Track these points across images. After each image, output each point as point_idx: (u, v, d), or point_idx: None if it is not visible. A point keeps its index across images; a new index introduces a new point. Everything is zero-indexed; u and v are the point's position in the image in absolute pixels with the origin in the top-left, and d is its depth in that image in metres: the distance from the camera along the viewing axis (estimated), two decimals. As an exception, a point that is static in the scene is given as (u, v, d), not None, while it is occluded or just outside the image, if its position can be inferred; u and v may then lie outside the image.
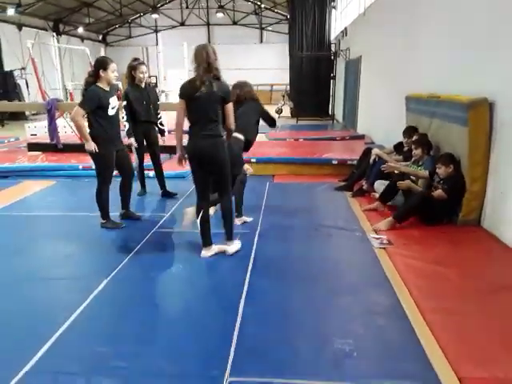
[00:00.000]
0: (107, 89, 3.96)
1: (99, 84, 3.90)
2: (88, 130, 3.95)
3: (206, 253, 3.50)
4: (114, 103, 4.03)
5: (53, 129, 7.20)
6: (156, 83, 24.65)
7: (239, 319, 2.57)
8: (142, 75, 4.71)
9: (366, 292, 2.91)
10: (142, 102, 4.78)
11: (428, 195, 4.10)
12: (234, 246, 3.57)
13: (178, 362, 2.19)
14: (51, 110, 7.00)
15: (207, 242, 3.51)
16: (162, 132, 5.34)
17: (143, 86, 4.83)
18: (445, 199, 4.01)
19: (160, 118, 5.26)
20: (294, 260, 3.48)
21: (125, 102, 4.73)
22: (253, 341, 2.36)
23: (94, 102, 3.81)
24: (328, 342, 2.34)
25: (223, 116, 3.33)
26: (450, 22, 4.85)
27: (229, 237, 3.57)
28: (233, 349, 2.28)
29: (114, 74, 3.98)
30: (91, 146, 3.87)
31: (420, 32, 5.88)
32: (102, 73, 3.87)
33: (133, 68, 4.70)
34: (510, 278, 3.08)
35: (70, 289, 3.01)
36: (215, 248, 3.54)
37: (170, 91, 15.63)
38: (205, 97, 3.18)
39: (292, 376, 2.09)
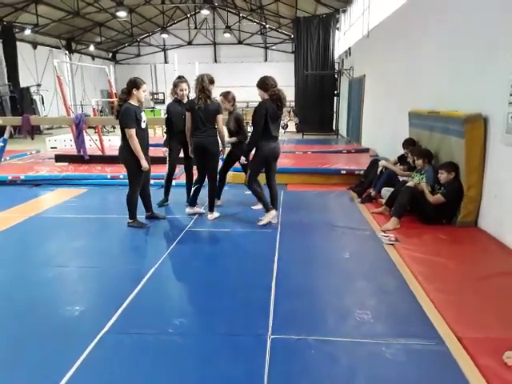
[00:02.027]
0: (137, 105, 4.47)
1: (130, 101, 4.39)
2: (122, 143, 4.45)
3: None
4: (144, 117, 4.56)
5: (80, 141, 7.75)
6: (163, 99, 25.53)
7: (273, 295, 3.08)
8: (180, 92, 5.22)
9: (378, 277, 3.42)
10: (182, 115, 5.18)
11: (415, 189, 4.66)
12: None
13: (228, 325, 2.70)
14: (79, 123, 7.56)
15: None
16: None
17: (185, 101, 5.29)
18: (443, 202, 4.53)
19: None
20: (314, 252, 4.02)
21: (165, 115, 5.26)
22: (286, 310, 2.87)
23: (133, 118, 4.32)
24: (349, 312, 2.84)
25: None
26: (448, 44, 5.42)
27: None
28: (271, 316, 2.79)
29: (145, 94, 4.52)
30: (145, 163, 4.40)
31: (420, 53, 6.48)
32: (134, 91, 4.37)
33: (174, 85, 5.27)
34: (503, 267, 3.56)
35: (126, 274, 3.52)
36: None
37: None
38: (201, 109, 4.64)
39: (323, 335, 2.58)
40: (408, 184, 4.80)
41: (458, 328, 2.64)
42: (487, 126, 4.36)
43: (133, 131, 4.29)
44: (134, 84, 4.38)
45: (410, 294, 3.11)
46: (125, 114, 4.31)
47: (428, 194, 4.64)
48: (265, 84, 4.56)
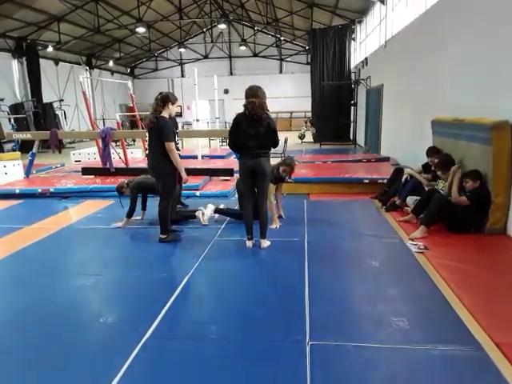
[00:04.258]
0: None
1: (164, 114, 4.49)
2: (156, 157, 4.49)
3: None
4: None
5: (106, 154, 7.95)
6: (181, 113, 25.89)
7: (307, 302, 3.14)
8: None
9: (411, 284, 3.45)
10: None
11: (444, 198, 4.68)
12: None
13: (266, 331, 2.77)
14: (106, 137, 7.77)
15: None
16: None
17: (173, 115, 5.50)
18: (469, 208, 4.53)
19: (178, 144, 6.00)
20: (344, 260, 4.06)
21: None
22: (322, 317, 2.92)
23: (171, 131, 4.44)
24: (385, 319, 2.87)
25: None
26: (471, 49, 5.46)
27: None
28: (307, 322, 2.84)
29: (176, 109, 4.64)
30: (185, 175, 4.51)
31: (442, 61, 6.51)
32: (170, 106, 4.48)
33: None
34: (535, 275, 3.55)
35: (161, 282, 3.63)
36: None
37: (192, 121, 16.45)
38: None
39: (361, 341, 2.61)
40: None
41: (495, 334, 2.66)
42: (514, 133, 4.37)
43: (173, 144, 4.40)
44: (170, 99, 4.48)
45: (444, 301, 3.13)
46: (166, 127, 4.37)
47: (453, 190, 4.66)
48: (244, 95, 4.25)
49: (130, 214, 5.22)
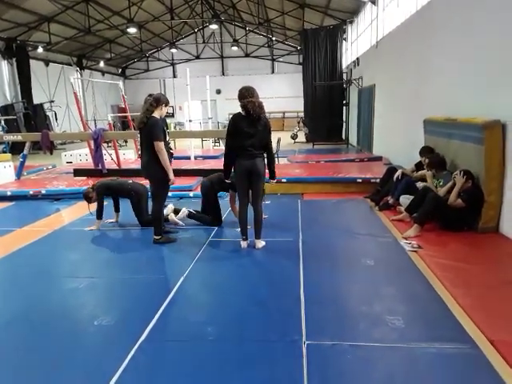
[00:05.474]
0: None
1: (155, 115, 4.44)
2: (147, 157, 4.45)
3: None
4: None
5: (98, 155, 7.89)
6: (173, 113, 25.80)
7: (302, 302, 3.14)
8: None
9: (405, 283, 3.46)
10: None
11: (439, 197, 4.70)
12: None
13: (262, 332, 2.76)
14: (98, 138, 7.71)
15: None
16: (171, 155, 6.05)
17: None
18: (463, 208, 4.57)
19: (169, 143, 5.97)
20: (339, 259, 4.07)
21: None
22: (318, 317, 2.92)
23: (161, 131, 4.41)
24: (380, 318, 2.88)
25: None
26: (463, 48, 5.51)
27: None
28: (303, 322, 2.84)
29: (167, 110, 4.63)
30: (173, 176, 4.47)
31: (434, 60, 6.55)
32: (163, 107, 4.46)
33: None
34: (528, 272, 3.59)
35: (156, 283, 3.61)
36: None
37: (184, 121, 16.36)
38: None
39: (357, 340, 2.62)
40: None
41: (490, 331, 2.68)
42: (505, 132, 4.40)
43: (162, 144, 4.35)
44: (163, 100, 4.46)
45: (439, 299, 3.14)
46: (155, 126, 4.33)
47: (452, 195, 4.64)
48: (239, 95, 4.27)
49: (98, 216, 5.23)
